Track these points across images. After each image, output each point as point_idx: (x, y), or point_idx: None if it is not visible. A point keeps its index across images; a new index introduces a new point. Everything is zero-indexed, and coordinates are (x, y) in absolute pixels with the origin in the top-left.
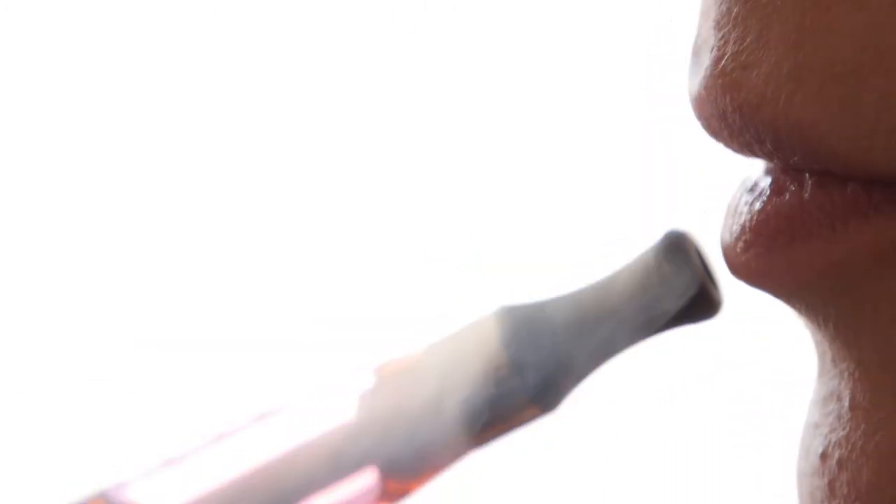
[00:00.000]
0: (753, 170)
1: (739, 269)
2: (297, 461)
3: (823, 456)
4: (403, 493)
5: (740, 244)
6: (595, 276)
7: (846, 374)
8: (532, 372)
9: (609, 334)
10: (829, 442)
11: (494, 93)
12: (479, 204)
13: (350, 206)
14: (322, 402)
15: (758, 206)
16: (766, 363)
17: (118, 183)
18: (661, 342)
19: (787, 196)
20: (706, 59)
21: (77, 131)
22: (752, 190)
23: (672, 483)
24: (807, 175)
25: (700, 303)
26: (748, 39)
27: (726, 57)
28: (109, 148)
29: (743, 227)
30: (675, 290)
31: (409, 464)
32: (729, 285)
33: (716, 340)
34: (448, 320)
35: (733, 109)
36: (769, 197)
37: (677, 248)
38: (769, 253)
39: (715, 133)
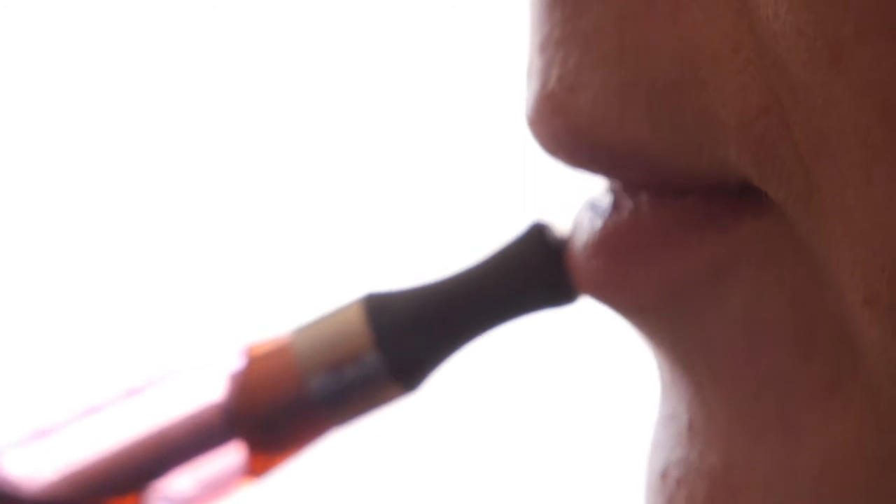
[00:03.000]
0: (598, 186)
1: (583, 284)
2: (166, 435)
3: (663, 475)
4: (269, 468)
5: (583, 260)
6: (459, 264)
7: (683, 396)
8: (395, 353)
9: (470, 318)
10: (669, 461)
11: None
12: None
13: (228, 192)
14: (193, 379)
15: (598, 223)
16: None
17: None
18: (535, 327)
19: (626, 213)
20: (534, 83)
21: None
22: (593, 207)
23: (528, 463)
24: (645, 192)
25: (557, 289)
26: (571, 62)
27: (552, 80)
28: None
29: (585, 243)
30: (534, 277)
31: (275, 441)
32: None
33: (586, 327)
34: (318, 305)
35: (565, 132)
36: (610, 214)
37: (537, 238)
38: (609, 270)
39: (552, 153)
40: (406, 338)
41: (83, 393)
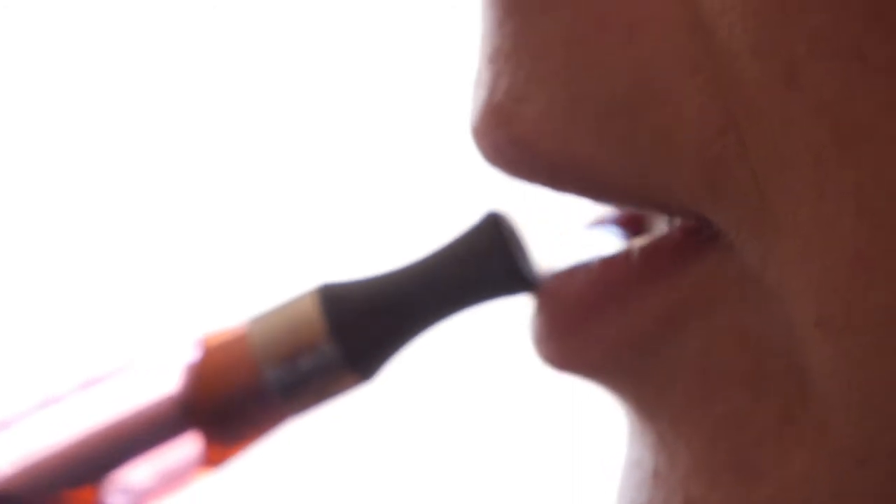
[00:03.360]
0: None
1: (545, 359)
2: (122, 427)
3: None
4: (225, 458)
5: (540, 336)
6: (414, 255)
7: (648, 444)
8: (350, 342)
9: (425, 306)
10: None
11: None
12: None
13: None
14: (148, 370)
15: (550, 300)
16: None
17: None
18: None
19: (577, 281)
20: (482, 93)
21: None
22: (546, 286)
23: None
24: (594, 261)
25: (512, 277)
26: (521, 75)
27: (500, 91)
28: None
29: (540, 319)
30: (487, 264)
31: (231, 431)
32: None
33: None
34: (273, 296)
35: (507, 142)
36: (563, 287)
37: (492, 226)
38: (566, 339)
39: (492, 162)
40: (361, 327)
41: (38, 385)
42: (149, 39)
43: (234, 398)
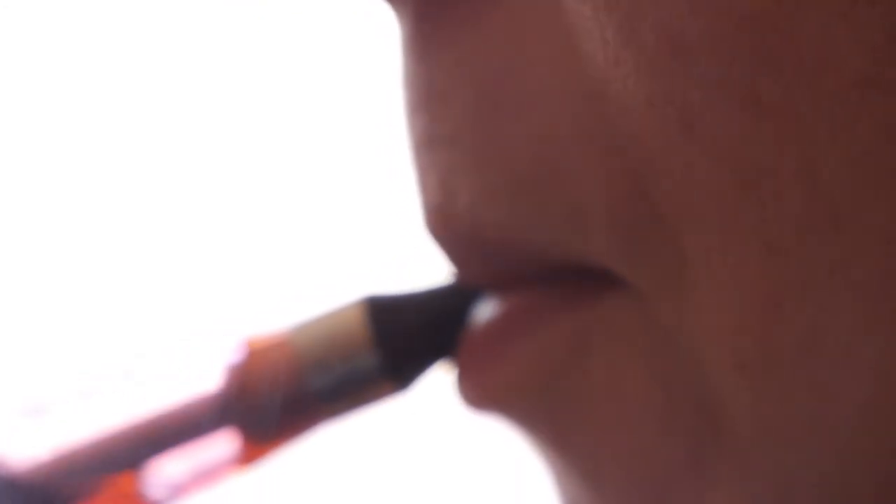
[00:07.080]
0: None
1: (464, 402)
2: (163, 418)
3: None
4: (259, 456)
5: (458, 380)
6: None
7: (574, 482)
8: (391, 353)
9: (466, 323)
10: None
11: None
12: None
13: (233, 188)
14: (193, 368)
15: (464, 344)
16: None
17: None
18: None
19: (484, 322)
20: (420, 188)
21: None
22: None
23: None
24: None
25: None
26: (442, 168)
27: (432, 190)
28: None
29: (457, 366)
30: None
31: (268, 431)
32: None
33: None
34: (318, 305)
35: (456, 239)
36: (474, 330)
37: None
38: (478, 375)
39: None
40: (404, 339)
41: (84, 375)
42: (148, 39)
43: (274, 399)
